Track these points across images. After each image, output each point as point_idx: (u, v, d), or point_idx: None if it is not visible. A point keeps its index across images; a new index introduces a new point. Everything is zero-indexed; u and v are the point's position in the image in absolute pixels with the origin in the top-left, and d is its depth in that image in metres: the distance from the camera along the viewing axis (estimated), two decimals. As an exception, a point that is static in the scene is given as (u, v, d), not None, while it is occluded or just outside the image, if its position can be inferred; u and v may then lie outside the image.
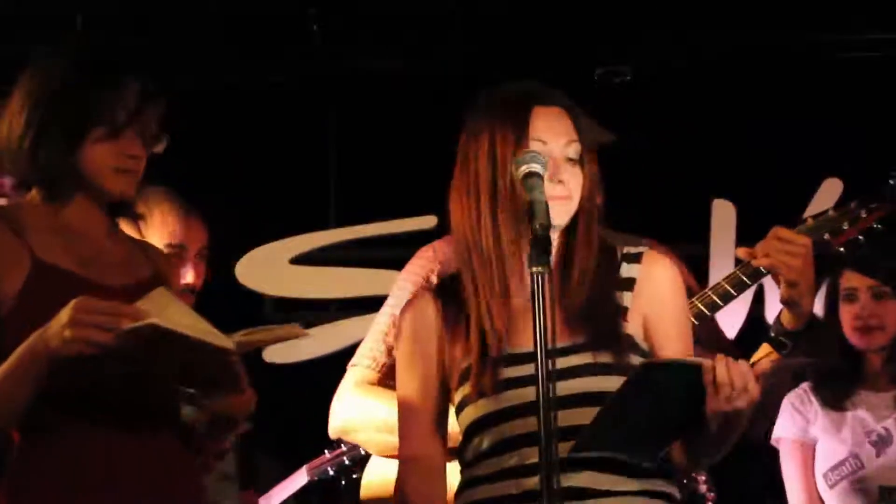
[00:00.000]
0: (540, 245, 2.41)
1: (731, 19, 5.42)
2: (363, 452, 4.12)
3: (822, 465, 4.07)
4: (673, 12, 5.39)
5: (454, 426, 2.76)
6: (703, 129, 5.52)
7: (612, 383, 2.54)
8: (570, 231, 2.71)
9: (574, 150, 2.69)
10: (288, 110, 5.66)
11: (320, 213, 5.74)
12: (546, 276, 2.39)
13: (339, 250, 5.70)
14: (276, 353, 5.22)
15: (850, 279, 4.05)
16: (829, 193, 5.41)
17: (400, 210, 5.56)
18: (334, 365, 3.58)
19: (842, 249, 3.32)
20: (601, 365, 2.62)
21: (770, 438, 4.18)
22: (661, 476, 2.67)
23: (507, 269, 2.66)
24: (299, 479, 4.37)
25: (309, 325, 5.51)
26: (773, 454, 4.23)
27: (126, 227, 2.98)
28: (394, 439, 2.83)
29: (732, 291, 3.31)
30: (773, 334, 3.23)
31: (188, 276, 3.64)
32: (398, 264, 3.49)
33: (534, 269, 2.40)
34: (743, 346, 3.29)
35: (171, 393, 2.65)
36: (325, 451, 4.38)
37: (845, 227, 3.32)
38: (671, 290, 2.75)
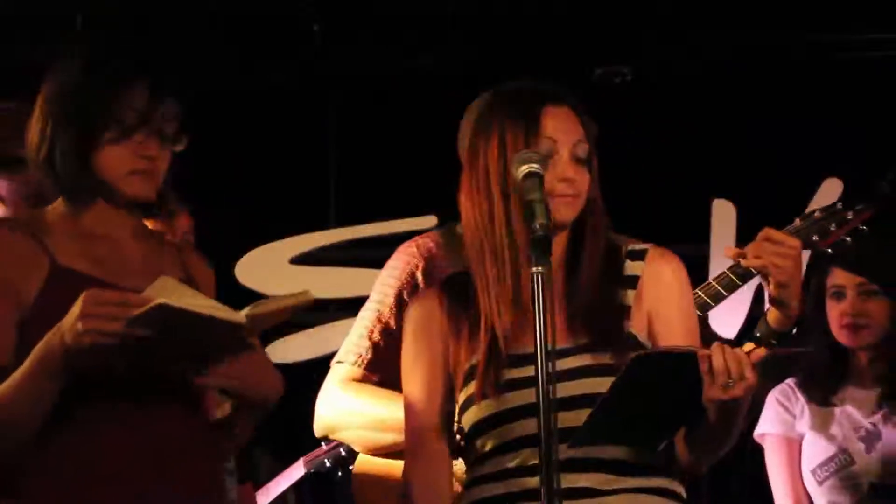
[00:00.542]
0: (539, 245, 2.42)
1: (731, 19, 5.42)
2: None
3: (810, 462, 4.06)
4: (673, 12, 5.40)
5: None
6: (703, 129, 5.52)
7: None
8: (575, 231, 2.71)
9: (582, 149, 2.69)
10: (288, 111, 5.66)
11: (320, 213, 5.74)
12: (546, 277, 2.40)
13: (339, 250, 5.70)
14: (277, 353, 5.23)
15: (838, 277, 4.04)
16: (829, 193, 5.41)
17: (400, 210, 5.56)
18: (334, 364, 3.58)
19: (829, 250, 3.35)
20: (600, 366, 2.61)
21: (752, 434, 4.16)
22: (665, 474, 2.67)
23: (519, 267, 2.65)
24: (296, 472, 4.37)
25: (309, 325, 5.53)
26: (755, 451, 4.21)
27: (154, 226, 2.98)
28: (380, 437, 2.84)
29: (723, 292, 3.33)
30: (757, 334, 3.26)
31: None
32: (398, 264, 3.49)
33: (534, 269, 2.40)
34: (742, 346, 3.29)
35: (186, 382, 2.64)
36: (322, 444, 4.38)
37: (832, 228, 3.35)
38: (677, 286, 2.75)
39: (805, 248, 3.24)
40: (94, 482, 2.59)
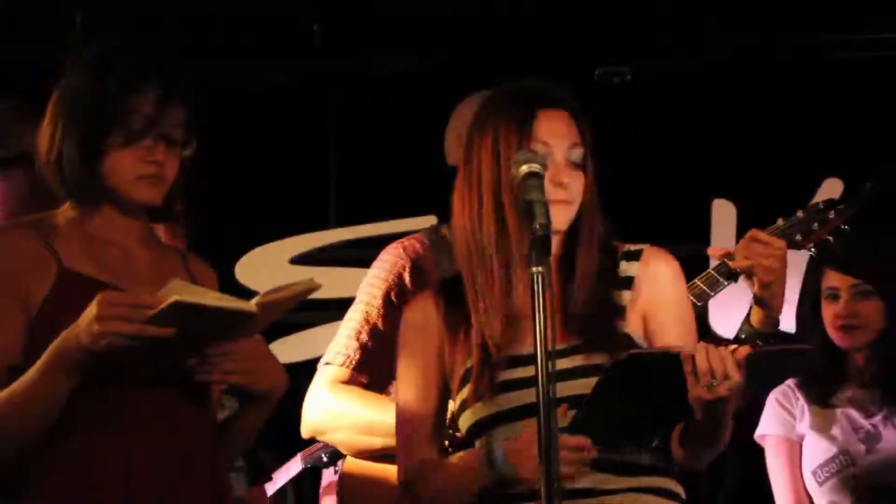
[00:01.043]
0: (539, 245, 2.42)
1: (731, 19, 5.42)
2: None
3: (810, 463, 4.06)
4: (673, 12, 5.40)
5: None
6: (703, 129, 5.52)
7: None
8: (570, 235, 2.71)
9: (577, 154, 2.69)
10: (288, 110, 5.66)
11: (320, 213, 5.73)
12: (546, 277, 2.40)
13: (338, 250, 5.70)
14: (278, 354, 5.21)
15: (832, 278, 4.04)
16: (828, 193, 5.40)
17: (400, 210, 5.56)
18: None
19: (813, 250, 3.38)
20: (593, 367, 2.61)
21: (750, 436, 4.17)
22: (664, 474, 2.67)
23: (510, 270, 2.65)
24: (294, 467, 4.36)
25: (309, 325, 5.52)
26: (748, 452, 4.21)
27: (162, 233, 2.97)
28: (368, 440, 2.84)
29: (709, 291, 3.36)
30: (742, 336, 3.28)
31: None
32: (398, 264, 3.48)
33: (533, 269, 2.40)
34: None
35: (193, 382, 2.64)
36: (322, 441, 4.38)
37: (815, 227, 3.39)
38: (672, 286, 2.75)
39: (789, 247, 3.29)
40: (98, 484, 2.59)
